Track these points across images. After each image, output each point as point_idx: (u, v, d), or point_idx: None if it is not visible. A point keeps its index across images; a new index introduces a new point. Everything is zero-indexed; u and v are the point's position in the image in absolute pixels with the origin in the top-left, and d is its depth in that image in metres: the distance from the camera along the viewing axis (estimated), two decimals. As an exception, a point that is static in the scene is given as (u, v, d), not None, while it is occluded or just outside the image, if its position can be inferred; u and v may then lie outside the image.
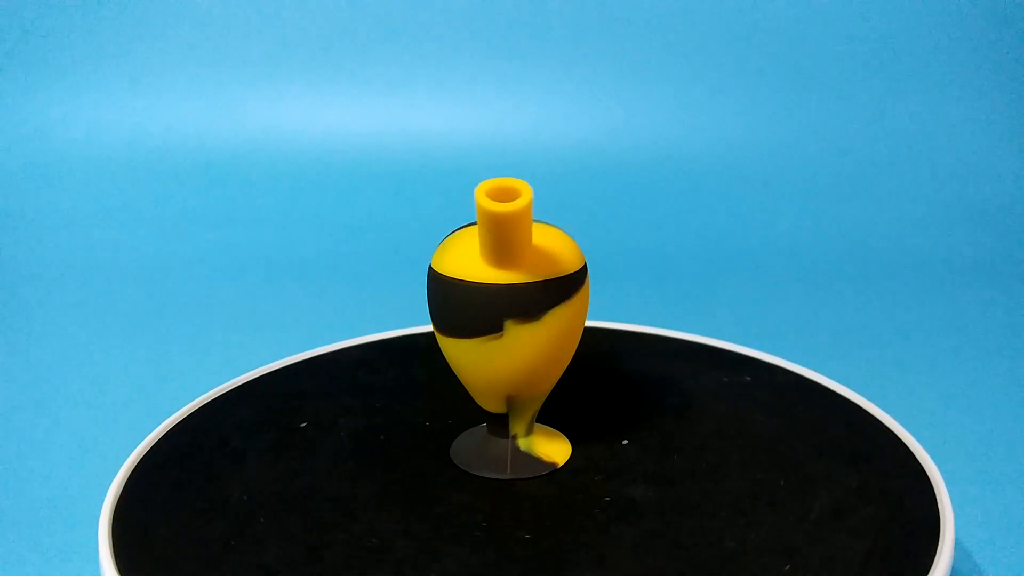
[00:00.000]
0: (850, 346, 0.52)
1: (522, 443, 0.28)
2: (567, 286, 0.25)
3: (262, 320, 0.57)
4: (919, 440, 0.39)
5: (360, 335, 0.53)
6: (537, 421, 0.31)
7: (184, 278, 0.67)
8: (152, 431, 0.31)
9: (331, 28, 0.90)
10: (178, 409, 0.41)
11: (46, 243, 0.75)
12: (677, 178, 0.86)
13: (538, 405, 0.28)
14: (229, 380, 0.42)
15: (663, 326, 0.55)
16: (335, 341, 0.52)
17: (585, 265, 0.26)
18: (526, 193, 0.23)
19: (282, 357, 0.49)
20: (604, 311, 0.58)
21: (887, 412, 0.41)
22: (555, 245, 0.26)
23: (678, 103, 0.91)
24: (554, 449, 0.29)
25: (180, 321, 0.56)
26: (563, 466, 0.28)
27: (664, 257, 0.73)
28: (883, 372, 0.47)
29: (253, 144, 0.87)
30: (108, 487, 0.34)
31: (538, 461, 0.28)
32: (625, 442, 0.30)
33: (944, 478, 0.35)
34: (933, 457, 0.37)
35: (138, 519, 0.25)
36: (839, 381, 0.46)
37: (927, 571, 0.22)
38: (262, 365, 0.47)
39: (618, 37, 0.91)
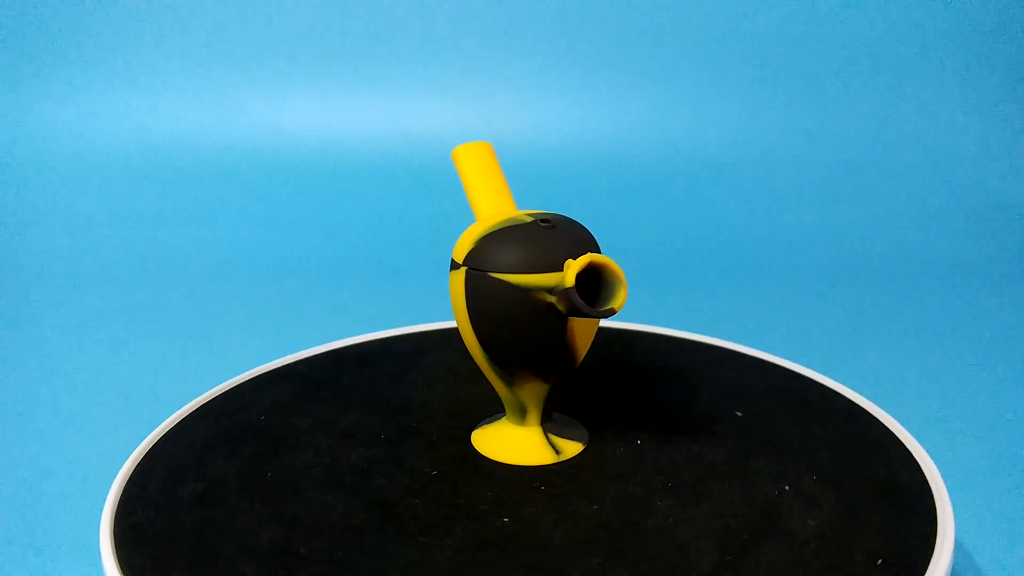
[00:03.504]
0: (851, 346, 0.52)
1: (503, 421, 0.31)
2: (452, 263, 0.28)
3: (264, 318, 0.57)
4: (919, 440, 0.39)
5: (361, 333, 0.53)
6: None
7: (183, 277, 0.67)
8: (154, 429, 0.31)
9: (333, 28, 0.90)
10: (180, 407, 0.41)
11: (47, 242, 0.75)
12: (678, 179, 0.86)
13: (498, 387, 0.29)
14: (231, 378, 0.42)
15: (663, 325, 0.55)
16: (337, 339, 0.52)
17: (456, 263, 0.28)
18: (467, 145, 0.31)
19: (284, 355, 0.49)
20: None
21: (888, 412, 0.42)
22: (469, 230, 0.28)
23: (677, 104, 0.91)
24: (489, 442, 0.30)
25: (180, 320, 0.56)
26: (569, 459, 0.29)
27: (664, 257, 0.73)
28: (884, 372, 0.47)
29: (252, 144, 0.87)
30: (110, 486, 0.34)
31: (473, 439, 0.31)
32: (621, 440, 0.30)
33: (944, 478, 0.35)
34: (933, 457, 0.37)
35: (140, 518, 0.25)
36: (840, 381, 0.46)
37: (927, 571, 0.22)
38: (263, 363, 0.47)
39: (621, 38, 0.91)
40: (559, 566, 0.23)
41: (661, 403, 0.33)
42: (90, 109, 0.87)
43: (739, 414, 0.32)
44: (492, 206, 0.30)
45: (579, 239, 0.27)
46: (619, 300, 0.25)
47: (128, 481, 0.27)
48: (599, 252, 0.28)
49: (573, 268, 0.24)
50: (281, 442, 0.30)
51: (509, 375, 0.28)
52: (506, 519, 0.25)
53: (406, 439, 0.30)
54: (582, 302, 0.25)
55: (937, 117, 0.90)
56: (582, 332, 0.27)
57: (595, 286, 0.26)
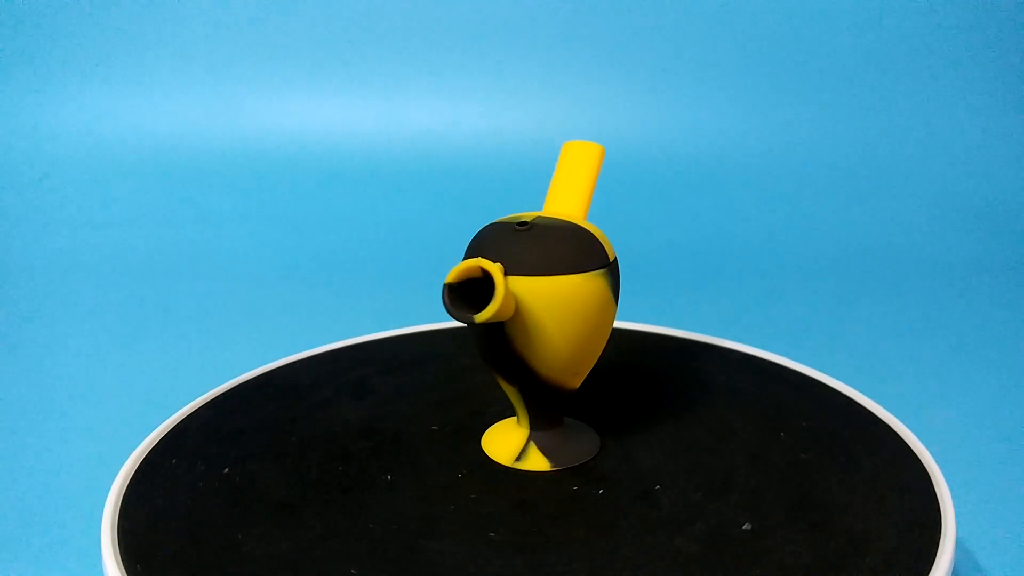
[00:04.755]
0: (852, 345, 0.52)
1: (510, 420, 0.31)
2: None
3: (264, 319, 0.57)
4: (920, 439, 0.39)
5: (360, 334, 0.53)
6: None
7: (185, 277, 0.67)
8: (157, 428, 0.32)
9: (334, 27, 0.90)
10: (183, 407, 0.41)
11: (47, 242, 0.75)
12: (679, 179, 0.86)
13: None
14: (235, 377, 0.42)
15: (664, 325, 0.55)
16: (338, 340, 0.52)
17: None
18: (574, 143, 0.32)
19: (287, 354, 0.49)
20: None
21: (889, 411, 0.42)
22: None
23: (680, 106, 0.91)
24: (493, 442, 0.30)
25: (181, 320, 0.56)
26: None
27: (664, 256, 0.73)
28: (885, 371, 0.47)
29: (252, 144, 0.87)
30: (111, 485, 0.34)
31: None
32: (588, 477, 0.28)
33: (944, 478, 0.35)
34: (933, 456, 0.37)
35: (141, 519, 0.25)
36: (841, 380, 0.46)
37: (927, 571, 0.22)
38: (265, 363, 0.47)
39: (622, 38, 0.91)
40: (349, 536, 0.24)
41: (670, 446, 0.30)
42: (89, 109, 0.87)
43: (746, 526, 0.25)
44: (556, 206, 0.30)
45: (541, 245, 0.26)
46: (484, 312, 0.23)
47: (129, 481, 0.27)
48: (598, 262, 0.26)
49: (458, 267, 0.24)
50: (284, 440, 0.30)
51: (487, 368, 0.28)
52: (389, 476, 0.27)
53: (455, 404, 0.33)
54: (446, 299, 0.24)
55: (938, 118, 0.90)
56: (527, 341, 0.26)
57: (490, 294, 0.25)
